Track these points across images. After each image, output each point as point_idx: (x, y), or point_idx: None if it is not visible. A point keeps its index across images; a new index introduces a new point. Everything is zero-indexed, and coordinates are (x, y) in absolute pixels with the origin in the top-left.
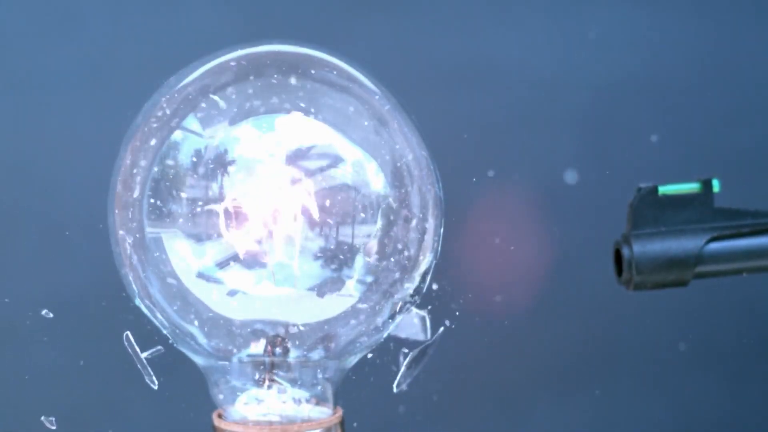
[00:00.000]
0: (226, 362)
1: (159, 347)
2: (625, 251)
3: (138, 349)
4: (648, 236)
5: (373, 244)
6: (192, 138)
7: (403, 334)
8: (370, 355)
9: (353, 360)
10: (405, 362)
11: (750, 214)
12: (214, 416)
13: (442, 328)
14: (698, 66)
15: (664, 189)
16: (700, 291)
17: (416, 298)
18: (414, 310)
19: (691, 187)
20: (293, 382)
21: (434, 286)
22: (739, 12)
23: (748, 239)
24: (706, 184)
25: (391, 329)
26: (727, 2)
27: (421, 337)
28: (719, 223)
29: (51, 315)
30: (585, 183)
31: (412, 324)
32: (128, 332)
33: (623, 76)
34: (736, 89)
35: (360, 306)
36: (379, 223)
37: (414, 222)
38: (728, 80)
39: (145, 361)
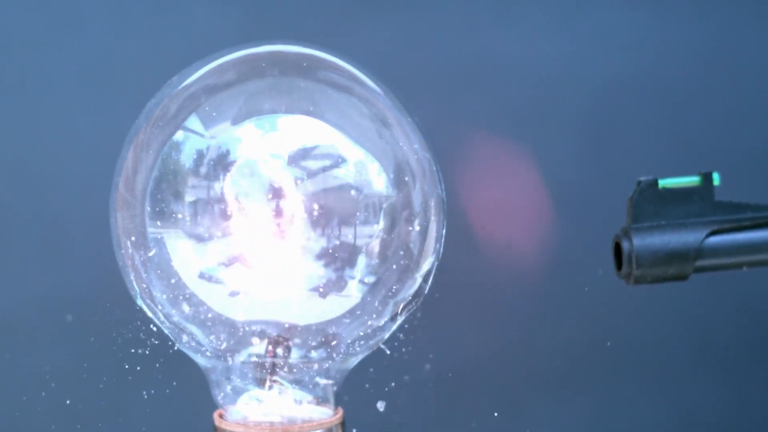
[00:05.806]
0: (228, 362)
1: None
2: (625, 245)
3: None
4: (648, 230)
5: (375, 245)
6: (194, 138)
7: None
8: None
9: (355, 361)
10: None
11: (750, 208)
12: (215, 416)
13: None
14: (699, 66)
15: (664, 182)
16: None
17: (418, 299)
18: None
19: (691, 180)
20: (294, 383)
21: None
22: (739, 12)
23: (748, 233)
24: (707, 178)
25: (393, 330)
26: (727, 2)
27: None
28: (719, 216)
29: None
30: (585, 182)
31: None
32: None
33: (623, 76)
34: (737, 89)
35: (362, 307)
36: (382, 224)
37: (416, 223)
38: (729, 80)
39: None
